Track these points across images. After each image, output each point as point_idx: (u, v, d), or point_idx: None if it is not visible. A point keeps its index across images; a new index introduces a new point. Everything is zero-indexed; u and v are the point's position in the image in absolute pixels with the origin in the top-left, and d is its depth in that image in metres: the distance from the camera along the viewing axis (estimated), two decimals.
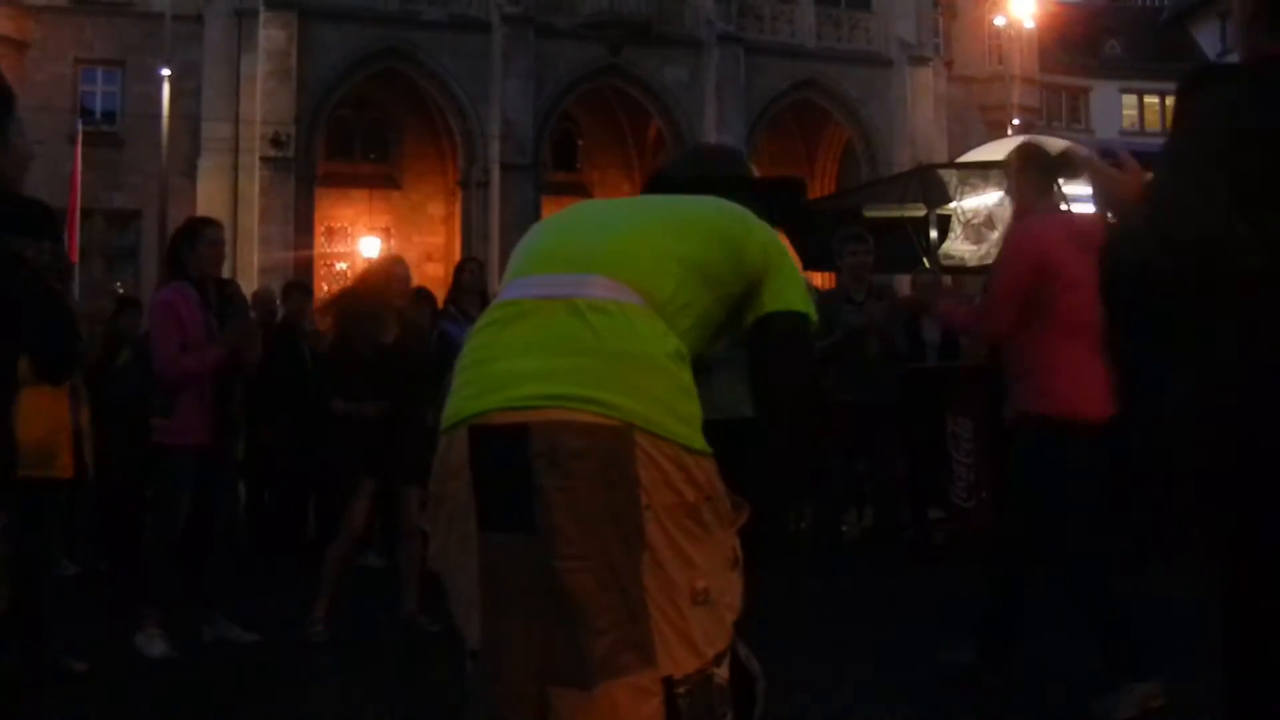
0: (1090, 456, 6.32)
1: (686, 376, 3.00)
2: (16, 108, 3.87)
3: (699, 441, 2.92)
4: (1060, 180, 7.34)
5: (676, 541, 2.84)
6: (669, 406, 2.90)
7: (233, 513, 9.25)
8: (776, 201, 3.64)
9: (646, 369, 2.92)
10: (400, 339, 8.50)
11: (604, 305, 2.97)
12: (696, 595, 2.86)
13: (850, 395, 9.71)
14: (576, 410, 2.83)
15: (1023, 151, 6.79)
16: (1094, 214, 6.08)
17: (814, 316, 3.28)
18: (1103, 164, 3.76)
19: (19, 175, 3.90)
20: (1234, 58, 3.74)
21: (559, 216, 3.49)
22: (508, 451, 2.85)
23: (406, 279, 8.82)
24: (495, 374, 2.97)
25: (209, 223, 8.47)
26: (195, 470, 7.82)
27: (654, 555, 2.81)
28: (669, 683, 2.81)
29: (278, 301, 13.17)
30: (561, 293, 3.03)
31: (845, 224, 12.11)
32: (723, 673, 2.93)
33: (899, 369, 10.42)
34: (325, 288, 32.45)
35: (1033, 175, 6.62)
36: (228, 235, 31.94)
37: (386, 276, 8.59)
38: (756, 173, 3.80)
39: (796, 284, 3.24)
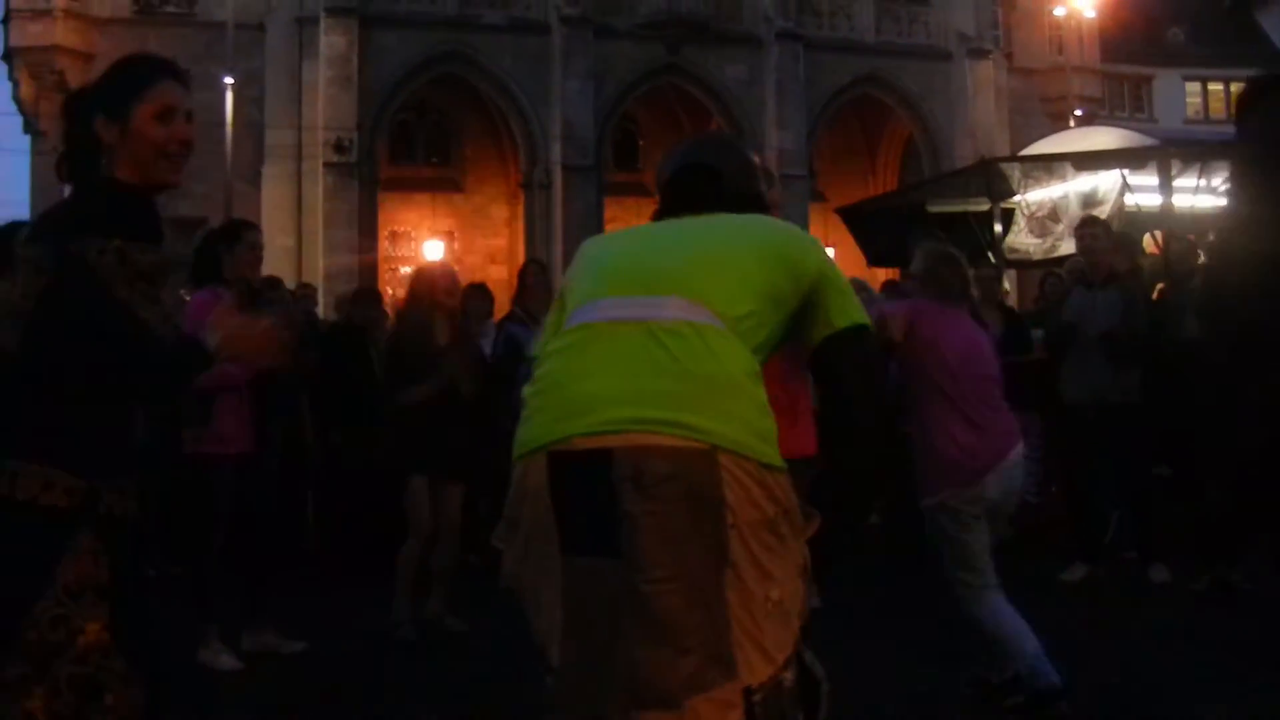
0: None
1: (762, 394, 3.02)
2: (145, 91, 3.56)
3: (777, 458, 2.94)
4: None
5: (756, 556, 2.86)
6: (750, 426, 2.92)
7: (288, 520, 9.26)
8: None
9: (727, 390, 2.93)
10: (451, 341, 8.56)
11: (678, 328, 2.98)
12: (771, 605, 2.87)
13: None
14: (662, 434, 2.85)
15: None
16: None
17: (872, 325, 3.29)
18: None
19: (145, 161, 3.53)
20: None
21: (622, 238, 3.52)
22: (591, 477, 2.85)
23: (451, 279, 8.87)
24: (573, 398, 2.98)
25: (248, 226, 8.41)
26: (236, 480, 7.76)
27: (736, 571, 2.83)
28: (746, 691, 2.83)
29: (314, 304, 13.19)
30: (635, 315, 3.05)
31: (915, 223, 12.03)
32: (790, 675, 2.95)
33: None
34: (390, 292, 32.58)
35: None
36: (292, 242, 31.84)
37: (430, 281, 8.67)
38: (756, 159, 3.75)
39: (851, 296, 3.26)
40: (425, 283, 8.66)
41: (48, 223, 3.53)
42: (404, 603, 8.27)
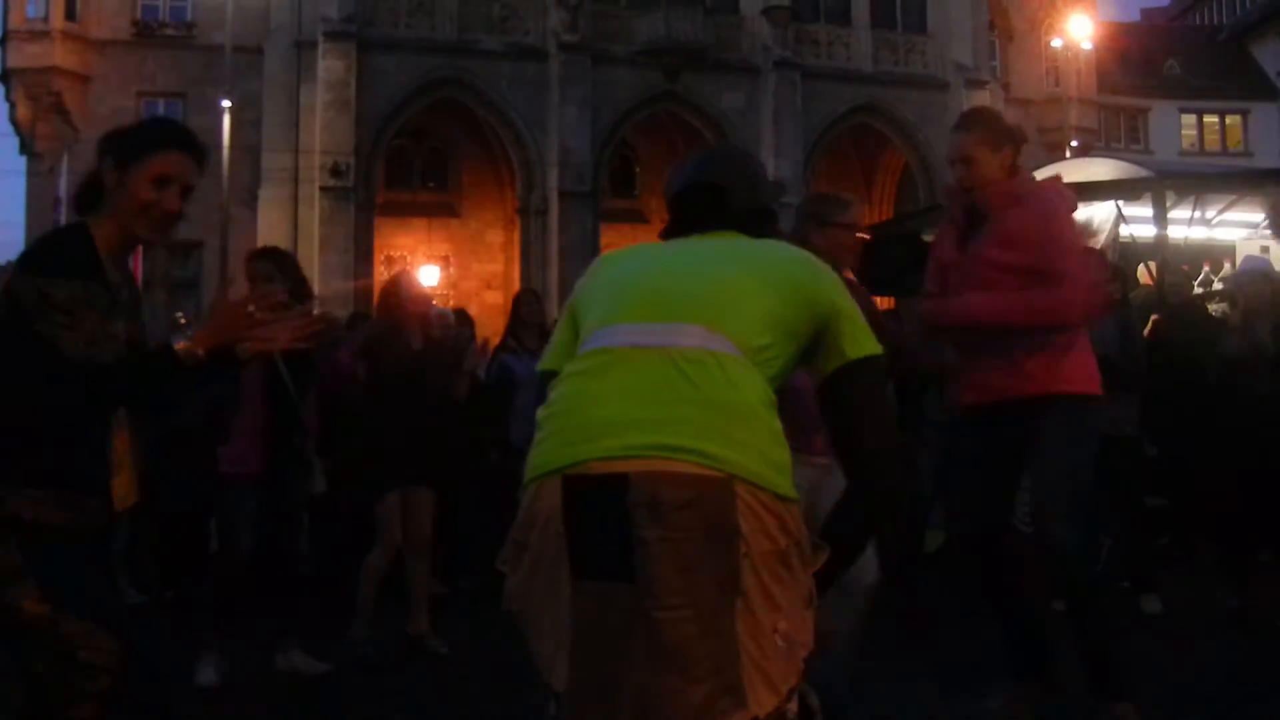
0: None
1: (778, 424, 3.01)
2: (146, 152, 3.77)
3: (791, 489, 2.94)
4: None
5: (767, 587, 2.85)
6: (765, 456, 2.91)
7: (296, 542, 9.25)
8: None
9: (744, 419, 2.93)
10: (424, 347, 8.63)
11: (697, 355, 2.98)
12: (778, 636, 2.86)
13: (944, 415, 9.69)
14: (679, 461, 2.84)
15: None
16: None
17: (883, 354, 3.29)
18: None
19: (128, 214, 3.74)
20: None
21: (639, 258, 3.48)
22: (606, 502, 2.83)
23: (418, 288, 8.95)
24: (590, 422, 2.96)
25: (250, 257, 8.30)
26: (257, 500, 7.76)
27: (746, 601, 2.81)
28: None
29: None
30: (654, 341, 3.03)
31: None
32: (793, 707, 2.94)
33: None
34: None
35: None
36: None
37: (397, 289, 8.74)
38: (770, 173, 3.76)
39: (864, 326, 3.26)
40: (393, 292, 8.75)
41: (20, 257, 3.72)
42: (364, 620, 8.22)
